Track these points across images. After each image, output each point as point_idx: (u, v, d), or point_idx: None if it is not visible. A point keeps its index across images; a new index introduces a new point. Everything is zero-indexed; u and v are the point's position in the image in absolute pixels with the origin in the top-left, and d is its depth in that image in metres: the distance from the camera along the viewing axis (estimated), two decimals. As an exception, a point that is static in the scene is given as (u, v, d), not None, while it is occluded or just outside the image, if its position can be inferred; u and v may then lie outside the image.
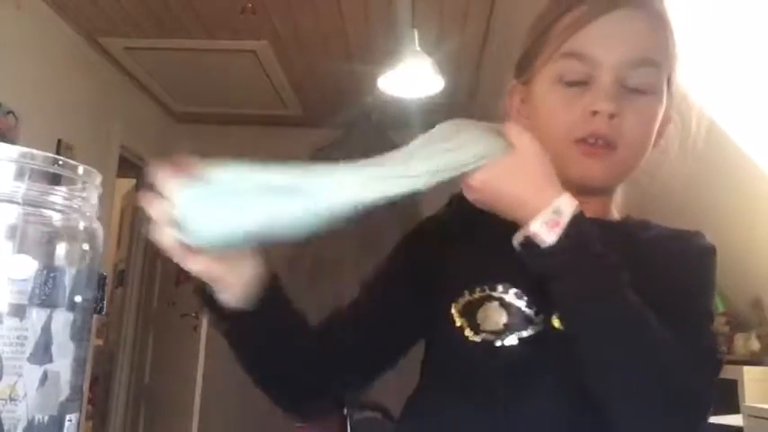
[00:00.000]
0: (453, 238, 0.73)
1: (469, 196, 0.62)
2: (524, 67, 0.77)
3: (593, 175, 0.69)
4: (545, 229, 0.57)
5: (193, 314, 3.73)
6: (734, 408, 2.25)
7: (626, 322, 0.59)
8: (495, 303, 0.68)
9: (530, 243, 0.58)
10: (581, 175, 0.69)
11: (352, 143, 4.04)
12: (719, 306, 2.74)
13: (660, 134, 0.75)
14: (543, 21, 0.75)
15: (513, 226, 0.61)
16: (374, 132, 4.08)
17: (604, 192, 0.76)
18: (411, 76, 2.75)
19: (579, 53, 0.69)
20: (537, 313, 0.67)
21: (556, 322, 0.66)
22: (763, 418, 1.93)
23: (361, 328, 0.75)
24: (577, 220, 0.58)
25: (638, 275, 0.62)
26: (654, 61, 0.69)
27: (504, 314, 0.67)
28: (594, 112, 0.67)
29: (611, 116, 0.67)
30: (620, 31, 0.69)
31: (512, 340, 0.66)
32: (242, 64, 3.61)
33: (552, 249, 0.57)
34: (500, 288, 0.69)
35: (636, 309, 0.58)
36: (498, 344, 0.66)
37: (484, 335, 0.67)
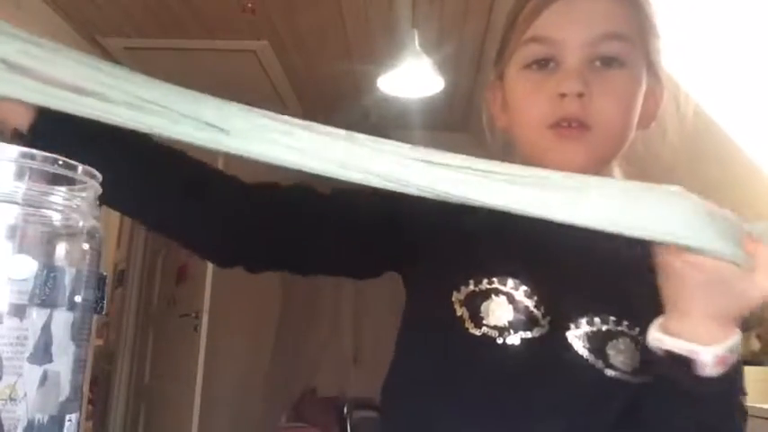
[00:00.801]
0: (458, 220, 0.66)
1: (669, 259, 0.53)
2: (498, 61, 0.76)
3: (571, 158, 0.66)
4: (714, 362, 0.53)
5: (193, 314, 3.73)
6: (734, 408, 2.26)
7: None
8: (503, 298, 0.65)
9: (684, 360, 0.54)
10: (560, 159, 0.65)
11: (352, 143, 4.05)
12: (719, 306, 2.74)
13: (650, 115, 0.73)
14: (511, 13, 0.74)
15: (536, 227, 0.53)
16: (374, 132, 4.09)
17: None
18: (411, 76, 2.75)
19: (541, 37, 0.68)
20: (544, 316, 0.65)
21: (574, 342, 0.64)
22: (763, 418, 1.93)
23: (316, 208, 0.70)
24: (737, 357, 0.56)
25: (627, 288, 0.63)
26: (620, 35, 0.67)
27: (511, 311, 0.65)
28: (562, 95, 0.65)
29: (580, 95, 0.65)
30: (581, 10, 0.68)
31: (514, 339, 0.64)
32: (242, 64, 3.61)
33: (710, 381, 0.54)
34: (510, 283, 0.66)
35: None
36: (500, 341, 0.64)
37: (485, 329, 0.65)
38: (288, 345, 3.84)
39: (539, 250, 0.61)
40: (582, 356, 0.64)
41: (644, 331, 0.58)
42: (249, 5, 2.91)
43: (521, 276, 0.66)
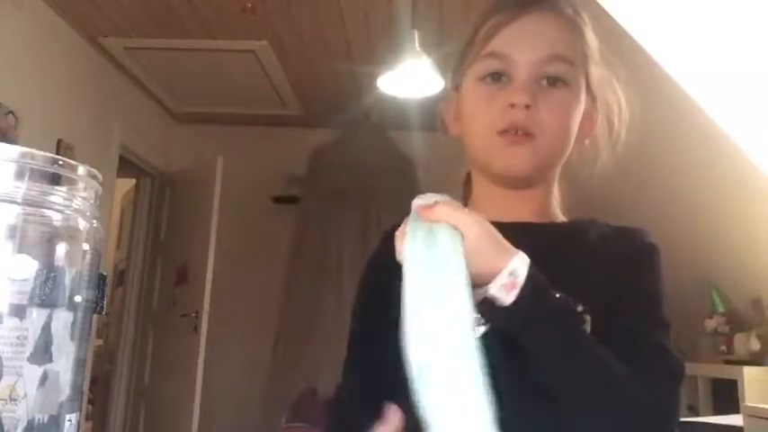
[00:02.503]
0: (397, 269, 0.73)
1: None
2: (455, 73, 0.85)
3: (516, 162, 0.75)
4: (504, 292, 0.61)
5: (193, 314, 3.74)
6: (734, 408, 2.26)
7: (586, 366, 0.63)
8: None
9: (491, 305, 0.62)
10: (506, 163, 0.75)
11: (352, 143, 4.05)
12: (719, 306, 2.74)
13: (585, 134, 0.82)
14: (469, 31, 0.82)
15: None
16: (374, 132, 4.09)
17: (533, 182, 0.80)
18: (411, 76, 2.75)
19: (497, 53, 0.77)
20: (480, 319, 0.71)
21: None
22: (763, 418, 1.93)
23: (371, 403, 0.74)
24: (532, 278, 0.61)
25: (584, 279, 0.67)
26: (564, 57, 0.76)
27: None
28: (512, 105, 0.74)
29: (527, 107, 0.73)
30: (532, 32, 0.77)
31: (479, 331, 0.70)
32: (242, 64, 3.61)
33: (512, 310, 0.61)
34: None
35: (592, 350, 0.63)
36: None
37: None
38: (288, 345, 3.84)
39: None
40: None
41: (595, 313, 0.66)
42: (249, 5, 2.91)
43: None
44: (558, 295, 0.63)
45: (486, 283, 0.62)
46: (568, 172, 0.85)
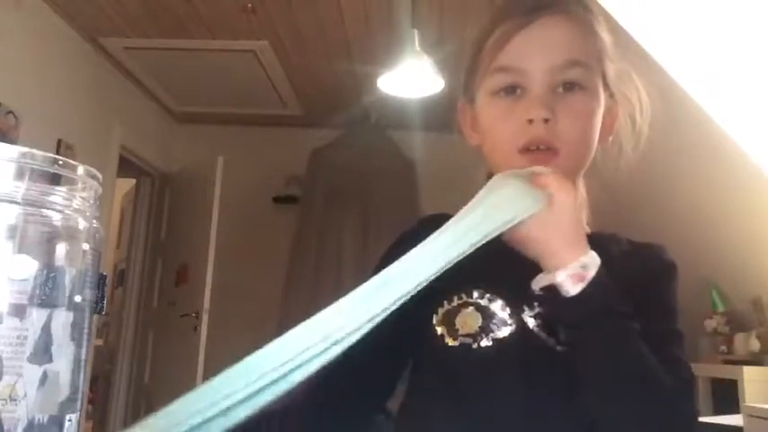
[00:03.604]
0: None
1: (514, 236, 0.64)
2: (467, 86, 0.83)
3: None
4: (570, 281, 0.61)
5: (194, 314, 3.73)
6: (734, 408, 2.26)
7: (635, 371, 0.63)
8: (471, 308, 0.72)
9: (554, 291, 0.62)
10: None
11: (353, 143, 4.05)
12: (720, 306, 2.74)
13: (607, 132, 0.80)
14: (477, 40, 0.80)
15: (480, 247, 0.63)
16: (374, 132, 4.09)
17: None
18: (411, 76, 2.75)
19: (507, 67, 0.74)
20: (511, 315, 0.71)
21: (530, 322, 0.70)
22: (763, 418, 1.93)
23: (360, 377, 0.75)
24: (600, 277, 0.62)
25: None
26: (579, 62, 0.73)
27: (480, 317, 0.71)
28: (530, 120, 0.71)
29: (546, 120, 0.71)
30: (542, 39, 0.74)
31: (487, 341, 0.70)
32: (242, 64, 3.61)
33: (575, 300, 0.61)
34: (475, 294, 0.73)
35: (644, 356, 0.63)
36: (474, 346, 0.70)
37: (461, 339, 0.71)
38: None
39: (493, 259, 0.64)
40: (538, 335, 0.70)
41: None
42: (249, 5, 2.91)
43: (482, 285, 0.73)
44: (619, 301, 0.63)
45: (547, 264, 0.62)
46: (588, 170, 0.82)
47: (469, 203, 0.62)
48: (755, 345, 2.50)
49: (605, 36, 0.78)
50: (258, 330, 4.07)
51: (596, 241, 0.81)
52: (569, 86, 0.73)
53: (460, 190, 0.90)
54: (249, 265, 4.25)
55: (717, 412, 2.58)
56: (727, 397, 2.42)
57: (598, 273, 0.62)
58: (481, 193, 0.63)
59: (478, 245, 0.59)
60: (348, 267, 3.75)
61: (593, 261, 0.62)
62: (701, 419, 2.24)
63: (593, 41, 0.76)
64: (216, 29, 3.22)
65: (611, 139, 0.81)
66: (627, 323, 0.63)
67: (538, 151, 0.72)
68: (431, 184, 3.86)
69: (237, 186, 4.10)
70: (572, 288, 0.61)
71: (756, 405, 2.04)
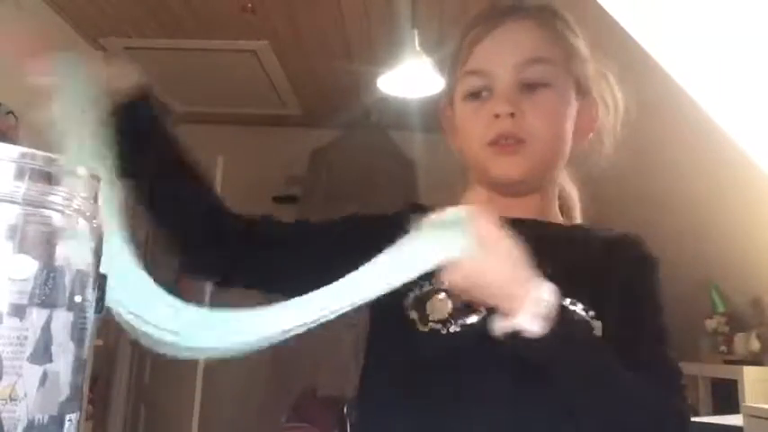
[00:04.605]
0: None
1: (450, 283, 0.63)
2: (448, 92, 0.88)
3: (509, 169, 0.77)
4: (529, 321, 0.60)
5: (193, 314, 3.73)
6: (734, 408, 2.26)
7: (609, 392, 0.64)
8: (443, 294, 0.74)
9: (515, 334, 0.61)
10: (500, 172, 0.77)
11: (352, 143, 4.05)
12: (720, 306, 2.74)
13: (585, 130, 0.83)
14: (454, 50, 0.85)
15: None
16: (374, 132, 4.09)
17: (531, 187, 0.81)
18: (411, 76, 2.75)
19: (476, 69, 0.79)
20: None
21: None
22: (763, 418, 1.93)
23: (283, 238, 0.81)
24: (559, 308, 0.61)
25: (594, 286, 0.69)
26: (542, 59, 0.78)
27: (449, 303, 0.73)
28: (497, 116, 0.76)
29: (511, 115, 0.75)
30: (507, 40, 0.79)
31: (456, 327, 0.72)
32: (242, 64, 3.61)
33: (539, 341, 0.60)
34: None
35: (616, 375, 0.64)
36: (444, 331, 0.72)
37: (431, 324, 0.73)
38: (288, 345, 3.83)
39: None
40: None
41: (601, 320, 0.68)
42: (249, 5, 2.91)
43: None
44: (576, 319, 0.65)
45: (503, 310, 0.61)
46: (575, 171, 0.86)
47: (397, 244, 0.62)
48: (755, 345, 2.50)
49: (575, 38, 0.83)
50: (258, 330, 4.08)
51: (576, 231, 0.83)
52: (534, 83, 0.77)
53: (459, 198, 0.91)
54: (249, 265, 4.24)
55: (717, 412, 2.59)
56: (727, 397, 2.42)
57: (555, 303, 0.61)
58: (409, 236, 0.62)
59: (396, 286, 0.60)
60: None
61: (547, 291, 0.61)
62: (701, 419, 2.24)
63: (562, 44, 0.81)
64: (216, 29, 3.22)
65: (590, 137, 0.85)
66: (591, 347, 0.65)
67: (505, 143, 0.76)
68: (431, 184, 3.86)
69: (237, 186, 4.09)
70: (533, 327, 0.60)
71: (756, 405, 2.04)
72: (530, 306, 0.60)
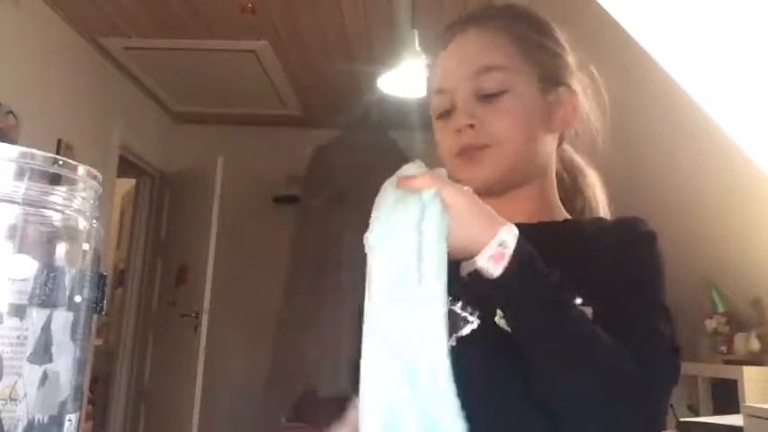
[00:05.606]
0: None
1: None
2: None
3: (474, 176, 0.78)
4: (491, 263, 0.61)
5: (193, 314, 3.73)
6: (734, 408, 2.26)
7: (572, 340, 0.64)
8: None
9: (479, 276, 0.62)
10: (468, 178, 0.77)
11: (353, 143, 4.05)
12: (719, 306, 2.74)
13: (563, 121, 0.83)
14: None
15: None
16: (375, 132, 4.09)
17: (510, 185, 0.81)
18: (411, 76, 2.75)
19: (439, 88, 0.82)
20: (472, 313, 0.73)
21: (501, 322, 0.69)
22: (763, 418, 1.93)
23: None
24: (520, 249, 0.62)
25: (580, 273, 0.68)
26: (494, 66, 0.79)
27: None
28: (458, 130, 0.78)
29: (472, 126, 0.77)
30: (456, 56, 0.82)
31: (452, 341, 0.71)
32: (242, 64, 3.61)
33: (500, 281, 0.61)
34: None
35: (579, 323, 0.64)
36: None
37: None
38: (288, 345, 3.84)
39: (451, 262, 0.65)
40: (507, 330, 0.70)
41: (593, 304, 0.66)
42: (249, 5, 2.91)
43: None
44: (545, 266, 0.63)
45: (471, 255, 0.62)
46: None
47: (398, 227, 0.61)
48: (755, 345, 2.50)
49: (541, 37, 0.83)
50: (258, 330, 4.09)
51: (570, 224, 0.83)
52: (490, 91, 0.78)
53: None
54: (249, 265, 4.25)
55: (717, 412, 2.59)
56: (727, 397, 2.42)
57: (518, 246, 0.61)
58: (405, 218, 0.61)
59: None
60: (348, 267, 3.75)
61: (510, 235, 0.62)
62: (701, 419, 2.25)
63: (521, 45, 0.81)
64: (216, 29, 3.22)
65: (572, 130, 0.86)
66: (557, 293, 0.64)
67: (469, 152, 0.78)
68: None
69: (237, 186, 4.09)
70: (494, 269, 0.61)
71: (756, 405, 2.04)
72: (491, 247, 0.61)
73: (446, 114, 0.81)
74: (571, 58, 0.85)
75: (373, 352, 0.57)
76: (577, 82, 0.85)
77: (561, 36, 0.86)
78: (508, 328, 0.68)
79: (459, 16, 0.87)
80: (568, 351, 0.63)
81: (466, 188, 0.65)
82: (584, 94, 0.85)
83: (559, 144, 0.87)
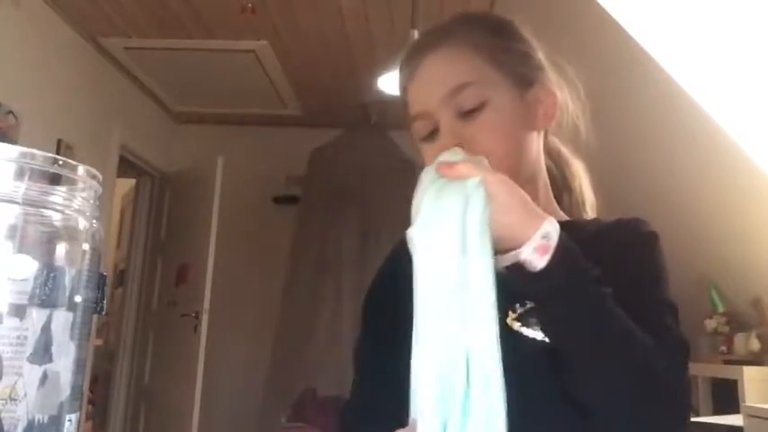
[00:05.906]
0: (405, 279, 0.72)
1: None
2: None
3: None
4: (536, 255, 0.60)
5: (193, 314, 3.73)
6: (734, 408, 2.26)
7: (612, 334, 0.63)
8: None
9: (521, 268, 0.61)
10: None
11: (353, 143, 4.05)
12: (719, 306, 2.74)
13: (544, 116, 0.83)
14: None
15: None
16: (374, 132, 4.09)
17: None
18: (411, 76, 2.75)
19: (417, 113, 0.81)
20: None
21: (515, 324, 0.69)
22: (763, 418, 1.93)
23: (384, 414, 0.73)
24: (563, 242, 0.61)
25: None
26: (466, 82, 0.78)
27: None
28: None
29: (459, 146, 0.75)
30: (428, 78, 0.80)
31: None
32: (242, 64, 3.61)
33: (543, 274, 0.61)
34: None
35: (619, 318, 0.63)
36: None
37: None
38: (288, 345, 3.84)
39: None
40: (526, 336, 0.69)
41: None
42: (249, 5, 2.91)
43: None
44: (586, 260, 0.63)
45: (511, 247, 0.61)
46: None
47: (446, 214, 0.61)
48: (755, 345, 2.50)
49: (505, 41, 0.82)
50: (258, 330, 4.08)
51: (567, 226, 0.82)
52: (469, 109, 0.77)
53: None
54: (249, 266, 4.25)
55: (717, 412, 2.58)
56: (727, 397, 2.42)
57: (561, 239, 0.61)
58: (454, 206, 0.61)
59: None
60: (348, 267, 3.75)
61: (553, 227, 0.61)
62: (701, 419, 2.24)
63: (486, 55, 0.80)
64: (216, 29, 3.22)
65: (553, 123, 0.85)
66: (598, 287, 0.63)
67: None
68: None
69: (237, 186, 4.09)
70: (539, 262, 0.60)
71: (756, 405, 2.04)
72: (535, 239, 0.60)
73: (430, 137, 0.80)
74: (539, 53, 0.84)
75: (422, 348, 0.58)
76: (550, 75, 0.84)
77: (525, 32, 0.85)
78: (521, 330, 0.68)
79: (412, 44, 0.87)
80: (608, 345, 0.63)
81: (503, 175, 0.64)
82: (559, 84, 0.85)
83: (545, 138, 0.88)
